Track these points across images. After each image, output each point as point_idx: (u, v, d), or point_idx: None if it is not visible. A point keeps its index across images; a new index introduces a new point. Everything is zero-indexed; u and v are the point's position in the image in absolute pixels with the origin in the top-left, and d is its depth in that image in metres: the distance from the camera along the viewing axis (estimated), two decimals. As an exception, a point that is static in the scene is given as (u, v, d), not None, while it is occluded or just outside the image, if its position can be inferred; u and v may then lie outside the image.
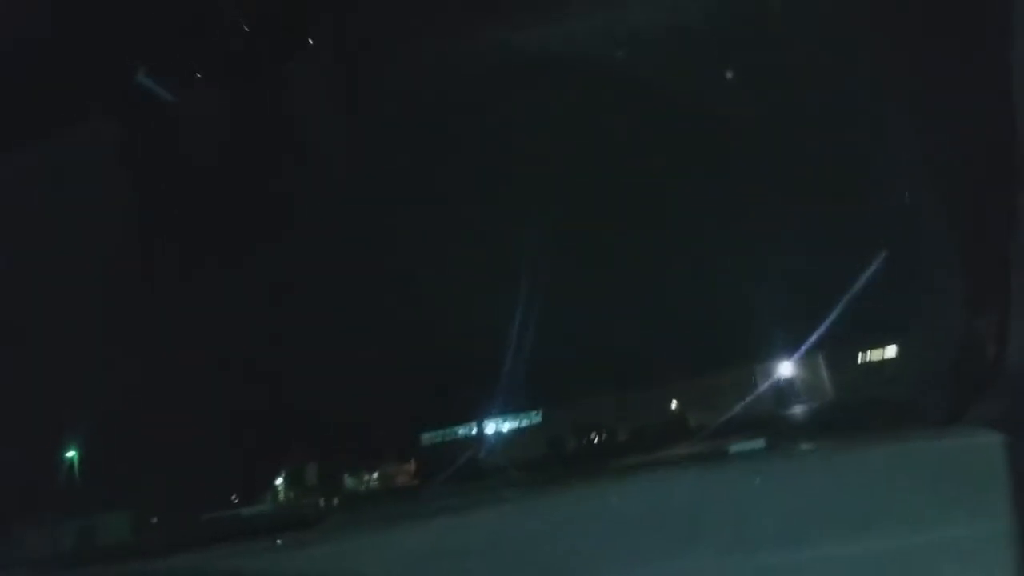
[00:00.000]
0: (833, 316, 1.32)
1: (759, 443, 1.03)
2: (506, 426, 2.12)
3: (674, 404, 1.89)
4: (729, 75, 1.59)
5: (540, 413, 2.10)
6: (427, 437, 2.14)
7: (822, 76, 1.48)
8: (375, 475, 2.25)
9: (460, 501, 1.12)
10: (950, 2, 1.29)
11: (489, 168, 1.91)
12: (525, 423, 2.11)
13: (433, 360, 2.00)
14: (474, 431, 2.12)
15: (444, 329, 1.96)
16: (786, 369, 1.51)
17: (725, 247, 1.72)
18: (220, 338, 1.87)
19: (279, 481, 2.25)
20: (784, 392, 1.48)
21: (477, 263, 1.95)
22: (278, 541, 1.12)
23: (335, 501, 1.85)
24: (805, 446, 1.07)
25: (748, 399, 1.46)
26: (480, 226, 1.96)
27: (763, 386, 1.48)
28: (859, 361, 1.57)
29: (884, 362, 1.54)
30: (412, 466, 2.24)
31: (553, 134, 1.81)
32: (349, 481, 2.21)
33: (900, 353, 1.49)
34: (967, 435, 0.86)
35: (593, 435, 2.12)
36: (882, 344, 1.56)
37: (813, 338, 1.40)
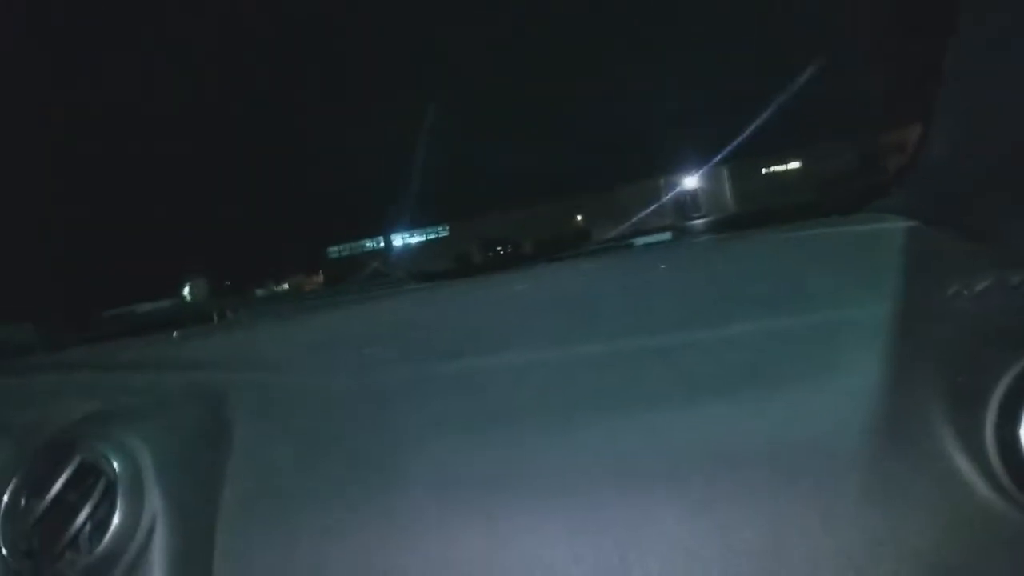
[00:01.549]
0: (752, 124, 1.29)
1: (665, 236, 1.03)
2: (411, 239, 2.14)
3: (580, 217, 1.89)
4: None
5: (446, 228, 2.12)
6: (334, 250, 2.17)
7: None
8: (284, 287, 2.24)
9: (363, 296, 1.10)
10: None
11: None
12: (431, 236, 2.13)
13: (344, 176, 2.01)
14: (380, 244, 2.15)
15: (355, 147, 1.94)
16: (691, 181, 1.50)
17: (636, 56, 1.70)
18: (140, 136, 1.76)
19: (186, 292, 2.21)
20: (686, 204, 1.48)
21: (388, 75, 1.91)
22: (175, 333, 1.09)
23: (238, 301, 1.82)
24: (714, 237, 1.08)
25: (650, 210, 1.46)
26: (393, 42, 1.89)
27: (667, 198, 1.48)
28: (772, 170, 1.59)
29: (796, 170, 1.56)
30: (319, 277, 2.25)
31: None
32: (259, 292, 2.19)
33: (812, 160, 1.51)
34: (874, 221, 0.88)
35: (498, 247, 2.13)
36: (794, 154, 1.58)
37: (727, 148, 1.39)
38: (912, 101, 0.89)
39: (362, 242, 2.21)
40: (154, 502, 0.73)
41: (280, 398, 0.86)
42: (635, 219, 1.41)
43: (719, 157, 1.46)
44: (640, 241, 1.03)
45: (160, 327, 1.14)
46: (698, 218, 1.39)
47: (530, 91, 1.82)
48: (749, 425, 0.72)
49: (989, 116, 0.76)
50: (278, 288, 2.17)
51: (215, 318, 1.14)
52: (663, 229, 1.35)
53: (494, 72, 1.82)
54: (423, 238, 2.17)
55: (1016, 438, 0.63)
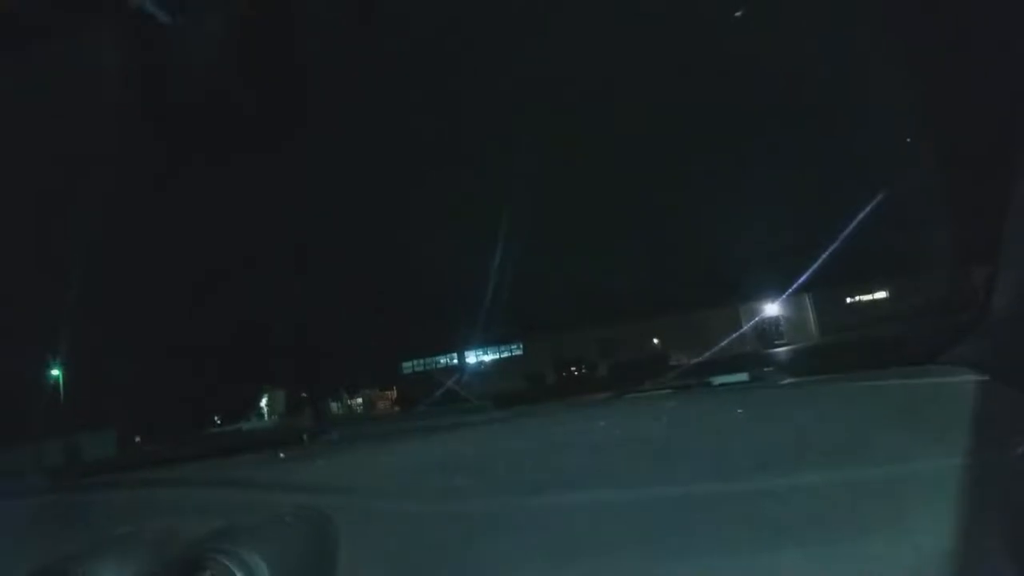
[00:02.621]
0: (824, 257, 1.33)
1: (742, 376, 1.07)
2: (487, 357, 2.18)
3: (657, 341, 1.92)
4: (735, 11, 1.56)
5: (520, 346, 2.15)
6: (408, 365, 2.20)
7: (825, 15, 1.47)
8: (359, 400, 2.30)
9: (448, 421, 1.16)
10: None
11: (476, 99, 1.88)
12: (506, 355, 2.16)
13: (418, 292, 2.03)
14: (455, 361, 2.20)
15: (430, 262, 1.95)
16: (772, 309, 1.54)
17: (719, 185, 1.72)
18: (214, 262, 1.88)
19: (264, 404, 2.30)
20: (769, 331, 1.52)
21: (463, 193, 1.94)
22: (281, 454, 1.17)
23: (325, 422, 1.89)
24: (787, 380, 1.11)
25: (733, 337, 1.49)
26: (466, 160, 1.94)
27: (749, 325, 1.51)
28: (848, 302, 1.62)
29: (872, 303, 1.58)
30: (394, 393, 2.30)
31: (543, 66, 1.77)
32: (334, 406, 2.25)
33: (888, 296, 1.54)
34: (945, 374, 0.92)
35: (574, 369, 2.16)
36: (871, 286, 1.61)
37: (801, 279, 1.42)
38: (984, 247, 0.92)
39: (436, 358, 2.25)
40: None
41: (376, 521, 0.92)
42: (714, 349, 1.44)
43: (797, 285, 1.48)
44: (718, 381, 1.08)
45: (254, 447, 1.22)
46: (779, 346, 1.43)
47: (613, 211, 1.87)
48: (820, 573, 0.74)
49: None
50: (355, 404, 2.23)
51: (304, 438, 1.21)
52: (739, 359, 1.38)
53: (578, 189, 1.86)
54: (497, 356, 2.20)
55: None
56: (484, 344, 2.18)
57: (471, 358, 2.23)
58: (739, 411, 0.97)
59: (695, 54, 1.63)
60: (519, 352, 2.22)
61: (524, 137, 1.77)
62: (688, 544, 0.79)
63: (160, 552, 0.86)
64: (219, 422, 2.29)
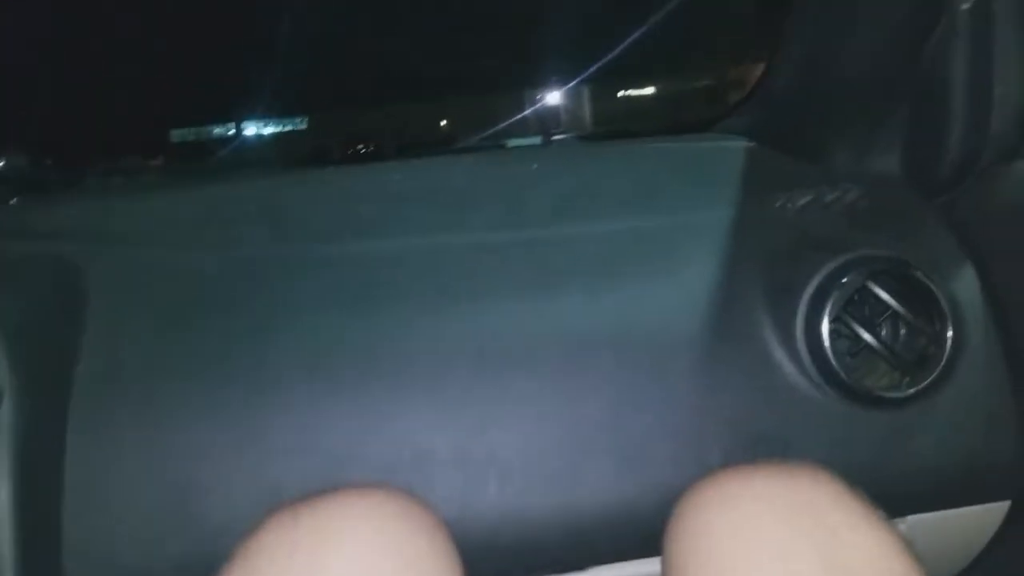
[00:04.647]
0: (616, 49, 1.35)
1: (535, 139, 1.07)
2: (268, 129, 2.04)
3: (447, 122, 1.89)
4: None
5: (304, 120, 2.03)
6: (178, 133, 2.02)
7: None
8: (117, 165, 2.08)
9: (225, 175, 1.06)
10: None
11: None
12: (288, 128, 2.04)
13: (192, 59, 1.85)
14: (231, 131, 2.03)
15: (209, 26, 1.80)
16: (554, 98, 1.55)
17: None
18: None
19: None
20: (559, 113, 1.53)
21: None
22: (12, 200, 1.01)
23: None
24: (579, 142, 1.14)
25: (519, 118, 1.49)
26: None
27: (532, 110, 1.52)
28: (634, 88, 1.67)
29: (653, 91, 1.65)
30: (158, 161, 2.11)
31: None
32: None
33: (673, 81, 1.60)
34: (721, 140, 0.98)
35: (361, 147, 2.09)
36: (647, 81, 1.66)
37: (591, 68, 1.44)
38: (762, 38, 0.97)
39: (210, 127, 2.08)
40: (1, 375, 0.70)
41: (141, 272, 0.84)
42: (499, 127, 1.45)
43: (583, 76, 1.52)
44: (512, 143, 1.07)
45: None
46: (559, 133, 1.45)
47: None
48: (600, 313, 0.79)
49: (823, 57, 0.85)
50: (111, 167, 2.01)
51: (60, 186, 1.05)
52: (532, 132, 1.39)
53: None
54: (279, 128, 2.07)
55: (819, 329, 0.75)
56: (265, 115, 2.04)
57: (249, 129, 2.08)
58: (533, 166, 0.97)
59: None
60: (302, 126, 2.10)
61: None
62: (480, 288, 0.81)
63: None
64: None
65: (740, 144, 0.98)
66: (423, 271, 0.83)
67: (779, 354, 0.77)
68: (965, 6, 0.75)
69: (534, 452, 0.75)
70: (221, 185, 0.98)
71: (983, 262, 0.81)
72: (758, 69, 1.01)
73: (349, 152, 2.09)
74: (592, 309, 0.80)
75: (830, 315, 0.75)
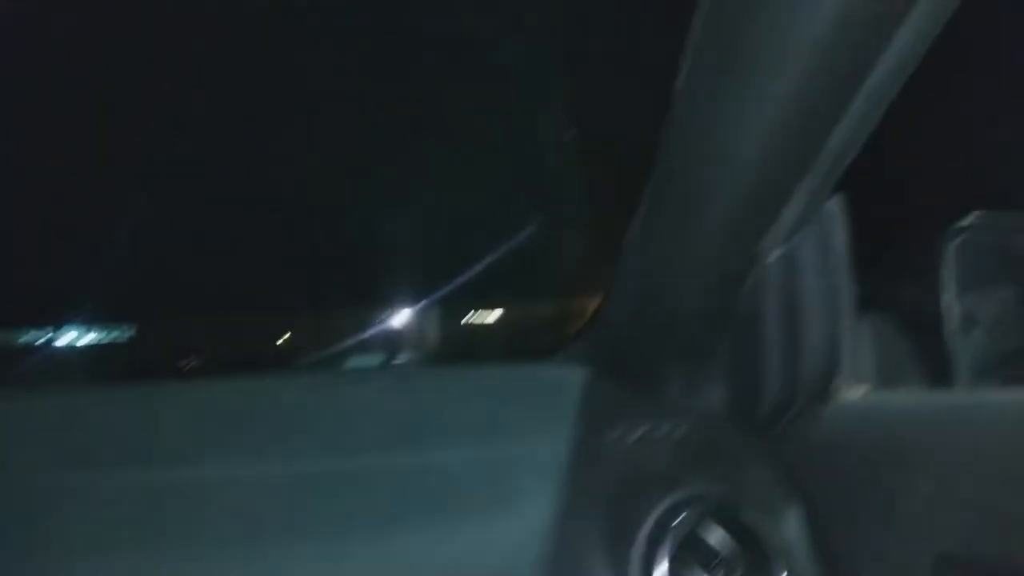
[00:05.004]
0: (466, 273, 1.39)
1: (373, 361, 1.05)
2: (89, 336, 1.91)
3: (288, 336, 1.84)
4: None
5: (132, 328, 1.92)
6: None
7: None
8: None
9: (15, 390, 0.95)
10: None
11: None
12: (113, 336, 1.92)
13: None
14: (49, 337, 1.88)
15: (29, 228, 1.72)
16: (403, 318, 1.57)
17: (364, 193, 1.73)
18: None
19: None
20: (399, 339, 1.53)
21: (93, 145, 1.69)
22: None
23: None
24: (417, 367, 1.12)
25: (365, 338, 1.48)
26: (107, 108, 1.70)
27: (380, 329, 1.52)
28: (472, 318, 1.70)
29: (496, 322, 1.69)
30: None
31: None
32: None
33: (517, 305, 1.65)
34: (560, 367, 0.99)
35: (192, 359, 1.98)
36: (500, 298, 1.71)
37: (439, 291, 1.47)
38: (604, 268, 1.02)
39: (21, 332, 1.92)
40: None
41: None
42: (343, 346, 1.42)
43: (429, 299, 1.55)
44: (349, 364, 1.04)
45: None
46: (408, 352, 1.44)
47: (248, 195, 1.76)
48: (433, 554, 0.74)
49: (652, 293, 0.90)
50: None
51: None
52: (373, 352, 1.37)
53: (215, 163, 1.72)
54: (102, 336, 1.94)
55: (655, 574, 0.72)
56: (87, 322, 1.91)
57: (68, 335, 1.94)
58: (366, 392, 0.94)
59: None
60: (129, 334, 1.98)
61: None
62: (304, 526, 0.73)
63: None
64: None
65: (579, 373, 0.99)
66: (240, 504, 0.75)
67: (616, 602, 0.73)
68: (773, 257, 0.82)
69: None
70: (11, 400, 0.88)
71: (807, 502, 0.82)
72: (599, 299, 1.05)
73: (175, 367, 1.97)
74: (425, 550, 0.74)
75: (670, 555, 0.72)
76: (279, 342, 1.73)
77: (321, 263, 1.74)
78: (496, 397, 0.96)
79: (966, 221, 0.95)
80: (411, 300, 1.54)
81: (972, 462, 0.65)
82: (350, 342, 1.37)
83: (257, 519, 0.74)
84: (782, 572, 0.74)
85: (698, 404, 0.91)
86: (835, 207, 0.85)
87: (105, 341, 1.91)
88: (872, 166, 0.79)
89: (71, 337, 1.89)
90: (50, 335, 1.89)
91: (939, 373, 0.98)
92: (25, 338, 1.87)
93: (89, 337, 1.91)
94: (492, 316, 1.68)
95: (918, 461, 0.71)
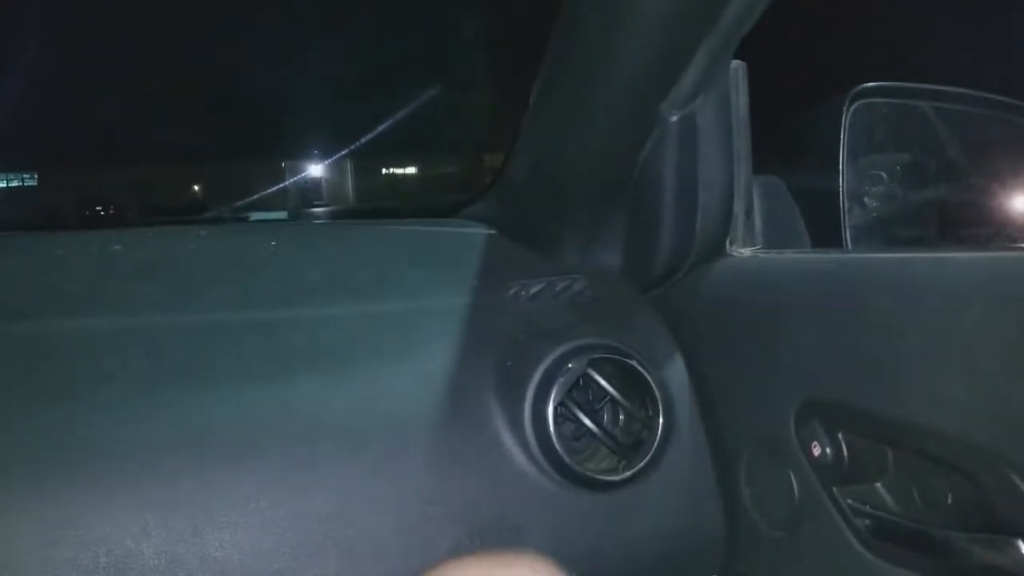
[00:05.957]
0: (378, 128, 1.38)
1: (280, 214, 1.04)
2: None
3: (196, 188, 1.80)
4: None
5: (34, 176, 1.85)
6: None
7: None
8: None
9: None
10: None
11: None
12: (14, 183, 1.85)
13: None
14: None
15: None
16: (315, 170, 1.55)
17: (277, 44, 1.68)
18: None
19: None
20: (310, 191, 1.52)
21: None
22: None
23: None
24: (323, 221, 1.11)
25: (274, 191, 1.46)
26: None
27: (291, 181, 1.50)
28: (384, 172, 1.70)
29: (404, 176, 1.69)
30: None
31: None
32: None
33: (419, 171, 1.66)
34: (461, 226, 1.00)
35: (99, 209, 1.93)
36: (406, 161, 1.71)
37: (351, 145, 1.46)
38: (508, 130, 1.02)
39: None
40: None
41: None
42: (254, 197, 1.40)
43: (343, 153, 1.53)
44: (256, 217, 1.02)
45: None
46: (317, 206, 1.43)
47: (156, 46, 1.70)
48: (330, 400, 0.76)
49: (552, 154, 0.91)
50: None
51: None
52: (279, 209, 1.36)
53: (123, 13, 1.64)
54: (3, 183, 1.87)
55: (545, 414, 0.77)
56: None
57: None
58: (271, 243, 0.94)
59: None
60: (31, 183, 1.90)
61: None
62: (200, 373, 0.75)
63: None
64: None
65: (481, 231, 1.01)
66: (134, 353, 0.75)
67: (508, 441, 0.79)
68: (674, 118, 0.83)
69: (253, 553, 0.70)
70: None
71: (691, 352, 0.88)
72: (502, 159, 1.05)
73: (86, 214, 1.92)
74: (322, 396, 0.76)
75: (555, 400, 0.77)
76: (186, 194, 1.69)
77: (229, 116, 1.68)
78: (397, 253, 0.97)
79: (861, 88, 0.98)
80: (318, 156, 1.52)
81: (850, 317, 0.70)
82: (256, 195, 1.36)
83: (159, 367, 0.74)
84: (660, 417, 0.80)
85: (594, 263, 0.95)
86: (737, 72, 0.86)
87: (7, 187, 1.84)
88: (775, 34, 0.80)
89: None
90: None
91: (827, 235, 1.03)
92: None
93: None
94: (398, 173, 1.68)
95: (798, 315, 0.77)
